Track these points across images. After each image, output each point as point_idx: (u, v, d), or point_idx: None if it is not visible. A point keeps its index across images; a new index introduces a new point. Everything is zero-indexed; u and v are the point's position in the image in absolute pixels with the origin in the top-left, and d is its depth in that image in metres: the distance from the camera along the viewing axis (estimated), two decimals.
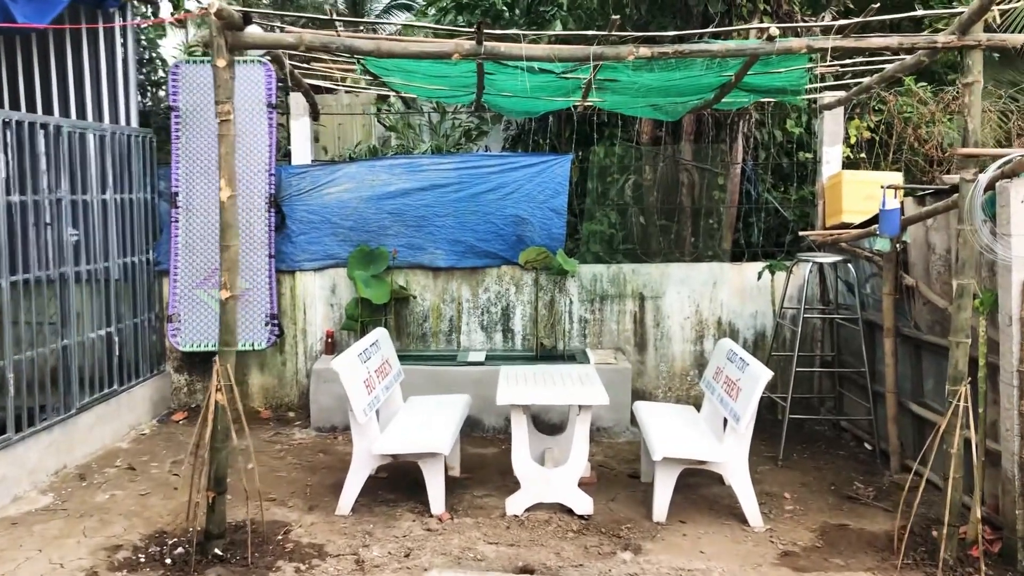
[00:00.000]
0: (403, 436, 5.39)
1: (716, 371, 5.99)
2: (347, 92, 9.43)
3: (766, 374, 5.09)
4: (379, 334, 6.12)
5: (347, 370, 5.20)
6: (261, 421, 7.60)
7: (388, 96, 9.14)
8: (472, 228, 7.68)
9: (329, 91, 8.79)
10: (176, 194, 7.45)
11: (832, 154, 7.70)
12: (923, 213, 5.56)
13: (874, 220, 6.77)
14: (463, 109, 9.33)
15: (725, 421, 5.55)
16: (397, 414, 5.94)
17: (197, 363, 7.86)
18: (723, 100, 6.06)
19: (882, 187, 5.78)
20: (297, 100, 7.70)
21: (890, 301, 6.25)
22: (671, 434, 5.48)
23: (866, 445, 6.86)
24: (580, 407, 5.34)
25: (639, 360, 7.82)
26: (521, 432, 5.36)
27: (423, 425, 5.58)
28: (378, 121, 9.55)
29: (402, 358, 7.40)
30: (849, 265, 6.76)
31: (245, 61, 7.41)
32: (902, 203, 5.88)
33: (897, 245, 6.08)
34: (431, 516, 5.32)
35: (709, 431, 5.68)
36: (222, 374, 4.64)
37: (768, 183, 8.20)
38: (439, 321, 7.81)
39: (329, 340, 7.66)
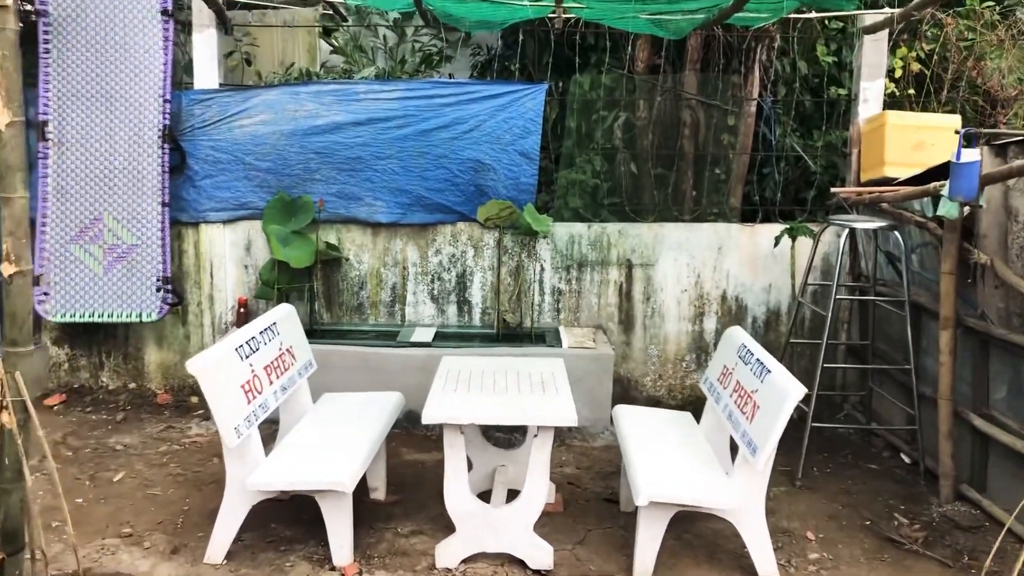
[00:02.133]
0: (294, 464, 3.93)
1: (723, 372, 4.55)
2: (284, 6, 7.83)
3: (796, 391, 3.65)
4: (280, 313, 4.63)
5: (213, 373, 3.72)
6: (156, 408, 6.15)
7: (336, 12, 7.50)
8: (420, 174, 6.15)
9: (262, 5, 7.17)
10: (46, 124, 5.87)
11: (872, 91, 6.16)
12: (1015, 168, 4.07)
13: (927, 176, 5.29)
14: (425, 31, 7.72)
15: (734, 440, 4.15)
16: (299, 423, 4.49)
17: (81, 333, 6.37)
18: (746, 10, 4.51)
19: (957, 132, 4.28)
20: (200, 7, 6.08)
21: (950, 282, 4.79)
22: (661, 465, 4.04)
23: (904, 458, 5.47)
24: (539, 428, 3.89)
25: (624, 341, 6.37)
26: (457, 458, 3.92)
27: (327, 445, 4.12)
28: (323, 39, 7.92)
29: (331, 334, 6.01)
30: (895, 233, 5.27)
31: None
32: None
33: (964, 210, 4.60)
34: (333, 569, 3.92)
35: (712, 457, 4.25)
36: (8, 386, 3.15)
37: (789, 126, 6.66)
38: (379, 289, 6.33)
39: (242, 310, 6.17)
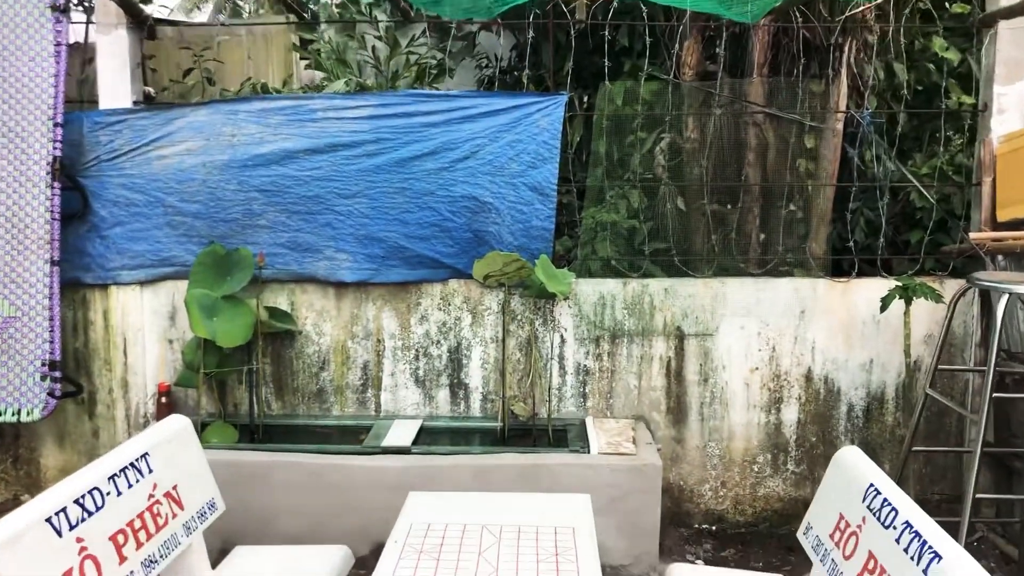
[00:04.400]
0: None
1: (838, 526, 2.91)
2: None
3: None
4: (161, 435, 3.06)
5: None
6: None
7: (294, 11, 6.06)
8: (398, 217, 4.61)
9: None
10: None
11: (1010, 98, 4.54)
12: None
13: None
14: (423, 40, 6.25)
15: None
16: None
17: None
18: None
19: None
20: (104, 1, 4.62)
21: None
22: None
23: None
24: None
25: (674, 437, 4.75)
26: None
27: None
28: (294, 49, 6.45)
29: (279, 432, 4.51)
30: None
31: None
32: None
33: None
34: None
35: None
36: None
37: (884, 147, 5.03)
38: (346, 369, 4.77)
39: (164, 399, 4.65)
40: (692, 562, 4.38)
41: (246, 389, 4.65)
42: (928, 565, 2.32)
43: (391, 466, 4.14)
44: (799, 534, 3.23)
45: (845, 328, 4.68)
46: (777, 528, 4.74)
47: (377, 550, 4.10)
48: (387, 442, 4.33)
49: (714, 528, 4.75)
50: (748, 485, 4.77)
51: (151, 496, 2.88)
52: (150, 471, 2.91)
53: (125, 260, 4.66)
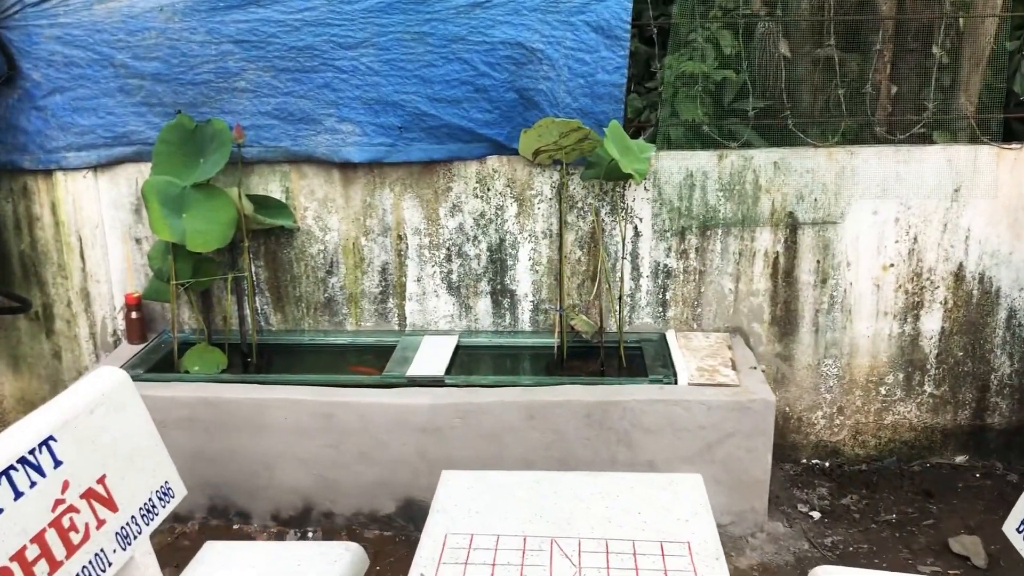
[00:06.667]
0: None
1: None
2: None
3: None
4: (70, 406, 2.07)
5: None
6: None
7: None
8: (418, 74, 3.46)
9: None
10: None
11: None
12: None
13: None
14: None
15: None
16: None
17: None
18: None
19: None
20: None
21: None
22: None
23: None
24: None
25: (779, 353, 3.72)
26: None
27: None
28: None
29: (279, 354, 3.62)
30: None
31: None
32: None
33: None
34: None
35: None
36: None
37: None
38: (360, 273, 3.75)
39: (133, 314, 3.70)
40: (806, 514, 3.45)
41: (231, 302, 3.67)
42: None
43: (419, 404, 3.19)
44: (1008, 529, 2.22)
45: (1011, 211, 3.54)
46: (908, 464, 3.77)
47: (404, 507, 3.23)
48: (414, 370, 3.37)
49: (828, 465, 3.79)
50: (872, 411, 3.76)
51: (59, 503, 1.93)
52: (56, 464, 1.95)
53: (71, 138, 3.61)
